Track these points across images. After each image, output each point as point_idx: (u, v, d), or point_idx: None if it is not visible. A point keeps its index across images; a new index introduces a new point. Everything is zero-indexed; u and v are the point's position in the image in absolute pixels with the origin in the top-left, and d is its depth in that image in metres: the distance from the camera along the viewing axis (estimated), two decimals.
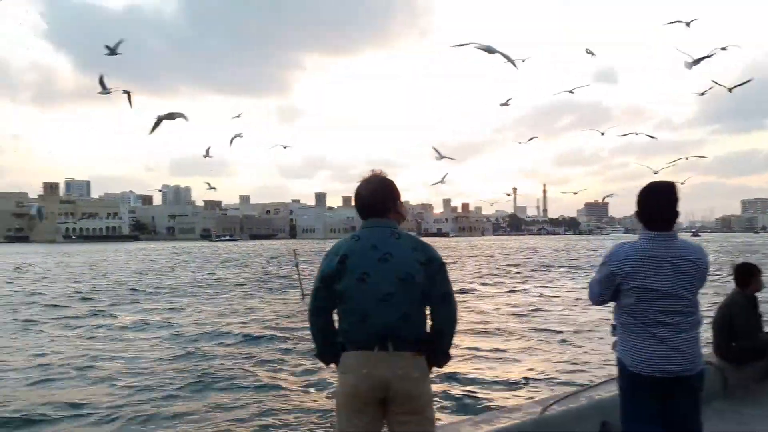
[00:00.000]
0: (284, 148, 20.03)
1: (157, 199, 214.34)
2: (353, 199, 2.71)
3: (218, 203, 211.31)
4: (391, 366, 2.42)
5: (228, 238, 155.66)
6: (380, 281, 2.43)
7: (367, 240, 2.52)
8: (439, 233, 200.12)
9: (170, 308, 18.39)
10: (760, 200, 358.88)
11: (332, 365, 2.64)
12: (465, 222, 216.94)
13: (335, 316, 2.61)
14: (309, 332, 2.67)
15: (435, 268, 2.50)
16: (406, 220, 2.80)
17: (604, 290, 2.88)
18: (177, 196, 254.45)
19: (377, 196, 2.60)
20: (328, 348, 2.63)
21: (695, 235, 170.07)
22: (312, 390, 8.50)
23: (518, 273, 32.76)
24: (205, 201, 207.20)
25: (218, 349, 11.70)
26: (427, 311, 2.55)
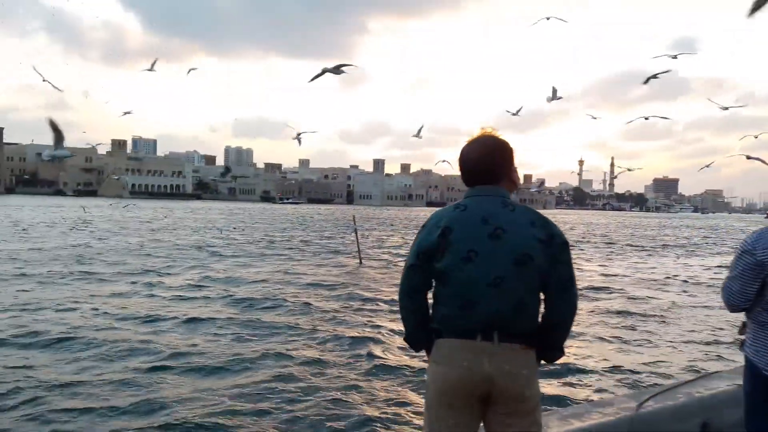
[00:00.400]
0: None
1: (220, 160, 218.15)
2: (458, 161, 2.33)
3: (278, 166, 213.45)
4: (497, 360, 2.07)
5: (290, 201, 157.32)
6: (491, 262, 2.09)
7: (475, 211, 2.16)
8: None
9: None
10: None
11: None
12: (526, 194, 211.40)
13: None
14: (399, 315, 2.38)
15: (557, 247, 2.13)
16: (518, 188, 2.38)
17: (747, 287, 2.49)
18: (239, 157, 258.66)
19: (489, 159, 2.25)
20: (420, 333, 2.29)
21: None
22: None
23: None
24: (265, 163, 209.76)
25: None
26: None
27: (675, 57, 11.23)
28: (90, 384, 6.70)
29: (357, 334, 9.52)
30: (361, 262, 21.15)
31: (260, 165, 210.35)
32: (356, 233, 23.22)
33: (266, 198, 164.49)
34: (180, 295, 13.08)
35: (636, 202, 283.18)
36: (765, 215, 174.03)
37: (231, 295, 13.20)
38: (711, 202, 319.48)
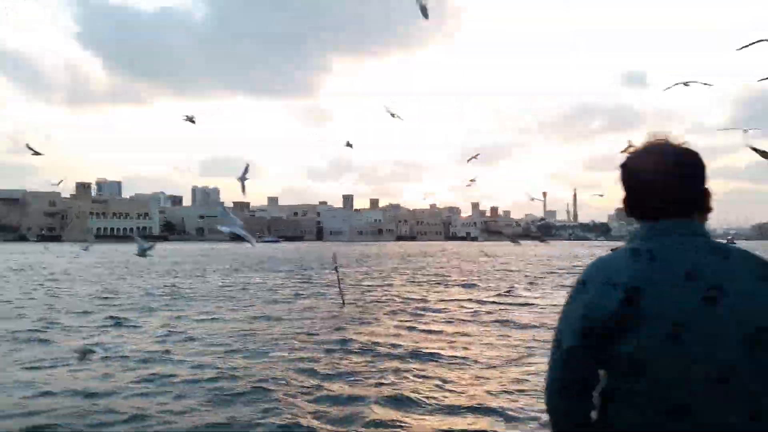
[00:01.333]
0: (350, 146, 18.42)
1: (187, 200, 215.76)
2: (620, 179, 1.65)
3: (246, 204, 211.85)
4: None
5: (270, 240, 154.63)
6: (709, 341, 1.37)
7: (673, 261, 1.45)
8: (468, 237, 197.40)
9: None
10: None
11: None
12: (493, 226, 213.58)
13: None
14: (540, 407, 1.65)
15: None
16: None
17: None
18: (206, 196, 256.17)
19: (677, 177, 1.57)
20: None
21: (731, 242, 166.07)
22: None
23: None
24: (234, 202, 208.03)
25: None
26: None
27: (687, 84, 10.95)
28: None
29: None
30: (344, 304, 20.19)
31: (228, 204, 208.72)
32: (337, 272, 21.83)
33: (234, 237, 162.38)
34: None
35: (601, 231, 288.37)
36: (727, 240, 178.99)
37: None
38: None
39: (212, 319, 16.63)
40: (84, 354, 9.91)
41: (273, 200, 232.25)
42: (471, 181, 21.10)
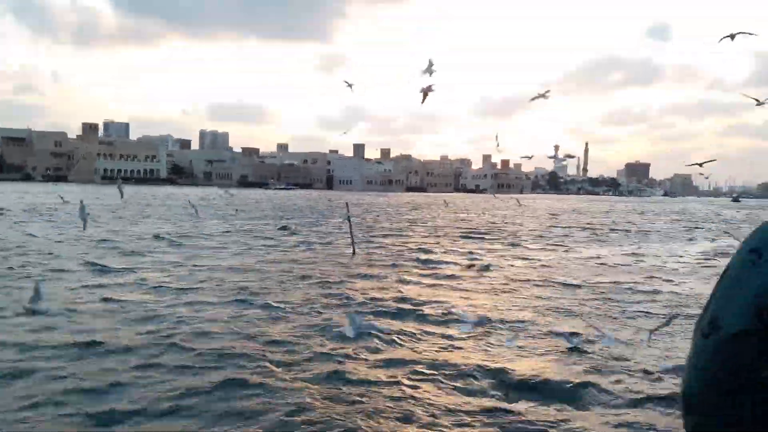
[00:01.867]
0: (350, 86, 16.81)
1: (195, 144, 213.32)
2: None
3: (256, 150, 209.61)
4: None
5: (284, 187, 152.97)
6: None
7: None
8: (478, 189, 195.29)
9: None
10: None
11: None
12: (504, 179, 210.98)
13: None
14: None
15: None
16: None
17: None
18: (214, 140, 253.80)
19: None
20: None
21: (735, 200, 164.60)
22: None
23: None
24: (242, 148, 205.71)
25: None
26: None
27: (733, 37, 10.23)
28: None
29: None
30: (354, 253, 20.36)
31: (237, 149, 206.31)
32: (350, 222, 22.03)
33: (245, 183, 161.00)
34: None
35: (609, 186, 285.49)
36: (731, 198, 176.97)
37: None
38: (680, 186, 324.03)
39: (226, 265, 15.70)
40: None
41: (283, 147, 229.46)
42: (497, 145, 20.46)
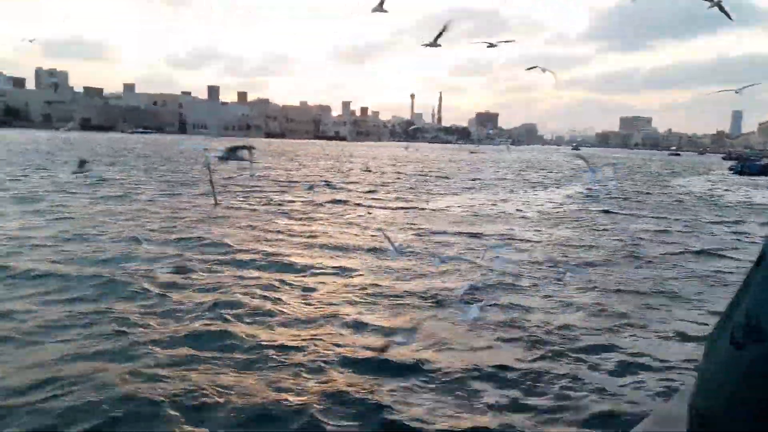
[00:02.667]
0: None
1: (30, 83, 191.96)
2: None
3: (99, 90, 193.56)
4: None
5: (141, 131, 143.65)
6: None
7: None
8: (337, 136, 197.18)
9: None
10: (637, 118, 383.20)
11: None
12: (363, 126, 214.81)
13: None
14: None
15: None
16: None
17: None
18: (52, 80, 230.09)
19: None
20: None
21: (575, 148, 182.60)
22: None
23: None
24: (84, 87, 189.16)
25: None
26: None
27: None
28: None
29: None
30: (216, 203, 20.20)
31: (78, 89, 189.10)
32: (209, 169, 21.42)
33: (88, 126, 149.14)
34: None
35: (461, 135, 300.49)
36: (572, 147, 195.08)
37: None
38: (526, 135, 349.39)
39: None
40: None
41: (129, 87, 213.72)
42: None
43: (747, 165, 65.50)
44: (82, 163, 16.43)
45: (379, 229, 14.82)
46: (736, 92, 11.20)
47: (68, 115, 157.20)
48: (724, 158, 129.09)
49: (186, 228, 15.11)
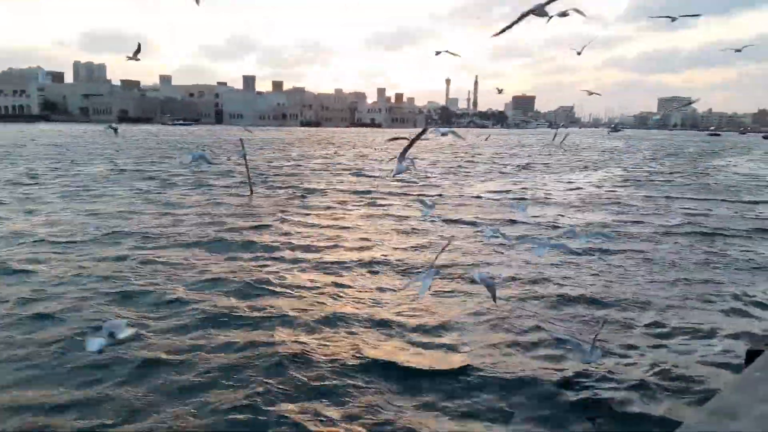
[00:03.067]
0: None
1: (69, 77, 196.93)
2: None
3: (137, 83, 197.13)
4: None
5: (182, 122, 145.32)
6: None
7: None
8: (373, 123, 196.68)
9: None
10: (676, 98, 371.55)
11: None
12: (398, 113, 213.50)
13: None
14: None
15: None
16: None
17: None
18: (90, 73, 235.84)
19: None
20: None
21: (615, 129, 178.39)
22: None
23: None
24: (122, 80, 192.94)
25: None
26: None
27: None
28: None
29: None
30: (252, 193, 20.18)
31: (115, 82, 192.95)
32: (245, 159, 20.99)
33: (125, 119, 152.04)
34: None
35: (497, 119, 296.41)
36: (611, 128, 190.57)
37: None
38: (563, 118, 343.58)
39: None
40: None
41: (166, 79, 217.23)
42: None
43: None
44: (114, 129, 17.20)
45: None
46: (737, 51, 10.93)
47: (106, 107, 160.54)
48: (764, 137, 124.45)
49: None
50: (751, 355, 3.11)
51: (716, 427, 1.85)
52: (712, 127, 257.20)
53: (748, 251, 12.27)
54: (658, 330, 7.43)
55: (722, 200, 20.97)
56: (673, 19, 9.62)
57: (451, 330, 7.33)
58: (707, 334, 7.34)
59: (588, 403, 5.52)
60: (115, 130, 18.05)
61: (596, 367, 6.03)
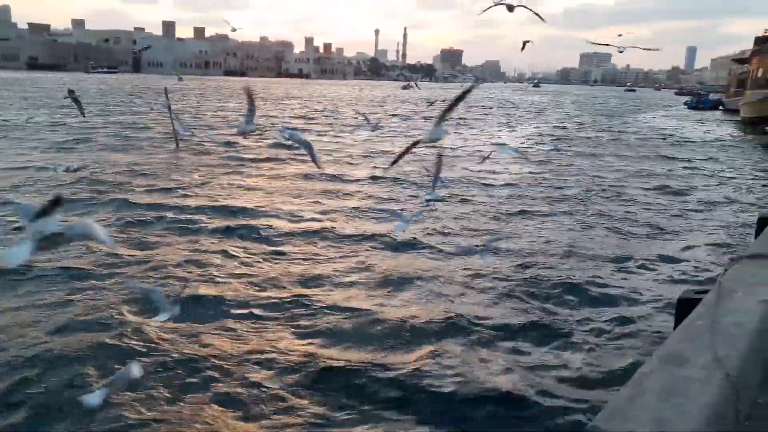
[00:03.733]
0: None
1: None
2: None
3: (46, 27, 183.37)
4: None
5: (105, 70, 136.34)
6: None
7: None
8: (301, 74, 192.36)
9: None
10: (596, 55, 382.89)
11: None
12: (327, 63, 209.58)
13: None
14: None
15: None
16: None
17: None
18: None
19: None
20: None
21: (536, 85, 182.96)
22: None
23: None
24: (29, 23, 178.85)
25: None
26: None
27: None
28: None
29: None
30: (177, 146, 19.70)
31: (22, 25, 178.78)
32: (170, 110, 19.49)
33: (34, 65, 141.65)
34: None
35: (426, 72, 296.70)
36: (532, 84, 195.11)
37: None
38: (489, 73, 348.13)
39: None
40: None
41: (79, 23, 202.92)
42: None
43: (701, 101, 68.08)
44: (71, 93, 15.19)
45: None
46: (619, 49, 10.84)
47: (13, 53, 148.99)
48: (676, 93, 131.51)
49: None
50: (683, 303, 3.29)
51: (669, 374, 1.99)
52: (629, 83, 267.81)
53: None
54: (587, 288, 7.56)
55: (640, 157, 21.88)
56: None
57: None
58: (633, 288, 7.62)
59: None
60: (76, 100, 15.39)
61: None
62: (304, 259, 8.40)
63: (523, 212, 11.73)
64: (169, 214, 10.50)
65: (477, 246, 6.52)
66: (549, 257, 8.75)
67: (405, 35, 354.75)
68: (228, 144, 21.01)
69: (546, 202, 12.90)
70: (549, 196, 13.54)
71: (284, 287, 7.24)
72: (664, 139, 30.03)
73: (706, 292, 3.02)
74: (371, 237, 9.50)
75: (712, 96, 69.15)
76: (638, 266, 8.50)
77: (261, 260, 8.29)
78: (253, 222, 10.26)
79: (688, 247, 9.54)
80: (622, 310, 6.83)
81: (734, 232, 10.66)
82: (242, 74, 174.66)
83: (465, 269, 7.94)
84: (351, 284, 7.44)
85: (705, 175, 18.01)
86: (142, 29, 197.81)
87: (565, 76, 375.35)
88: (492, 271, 7.84)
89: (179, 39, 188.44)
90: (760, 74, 40.87)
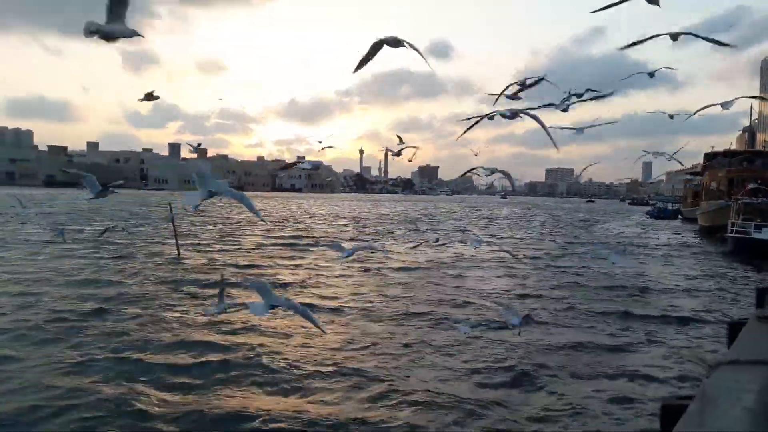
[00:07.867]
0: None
1: None
2: None
3: (63, 149, 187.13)
4: None
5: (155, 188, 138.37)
6: None
7: None
8: (293, 188, 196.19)
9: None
10: (560, 169, 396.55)
11: None
12: (317, 179, 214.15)
13: None
14: None
15: None
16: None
17: None
18: (17, 139, 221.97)
19: None
20: None
21: (503, 197, 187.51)
22: None
23: None
24: (48, 146, 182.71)
25: None
26: None
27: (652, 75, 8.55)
28: None
29: None
30: (179, 255, 19.80)
31: (43, 147, 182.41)
32: (173, 223, 20.88)
33: (52, 183, 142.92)
34: None
35: (405, 185, 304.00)
36: (500, 196, 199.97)
37: None
38: (463, 186, 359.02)
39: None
40: None
41: (93, 145, 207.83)
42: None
43: (663, 210, 70.98)
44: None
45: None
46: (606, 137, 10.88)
47: (32, 173, 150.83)
48: (629, 203, 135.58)
49: None
50: (667, 410, 3.28)
51: None
52: (591, 196, 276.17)
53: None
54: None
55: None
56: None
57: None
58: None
59: None
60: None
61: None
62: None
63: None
64: None
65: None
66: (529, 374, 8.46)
67: (386, 154, 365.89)
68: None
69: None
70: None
71: None
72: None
73: (689, 398, 3.05)
74: None
75: (670, 206, 73.18)
76: (609, 376, 8.26)
77: None
78: None
79: (664, 356, 9.33)
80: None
81: (707, 337, 10.56)
82: (241, 189, 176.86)
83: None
84: None
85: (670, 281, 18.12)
86: (150, 150, 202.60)
87: (533, 189, 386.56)
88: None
89: (183, 158, 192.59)
90: (713, 186, 42.19)
